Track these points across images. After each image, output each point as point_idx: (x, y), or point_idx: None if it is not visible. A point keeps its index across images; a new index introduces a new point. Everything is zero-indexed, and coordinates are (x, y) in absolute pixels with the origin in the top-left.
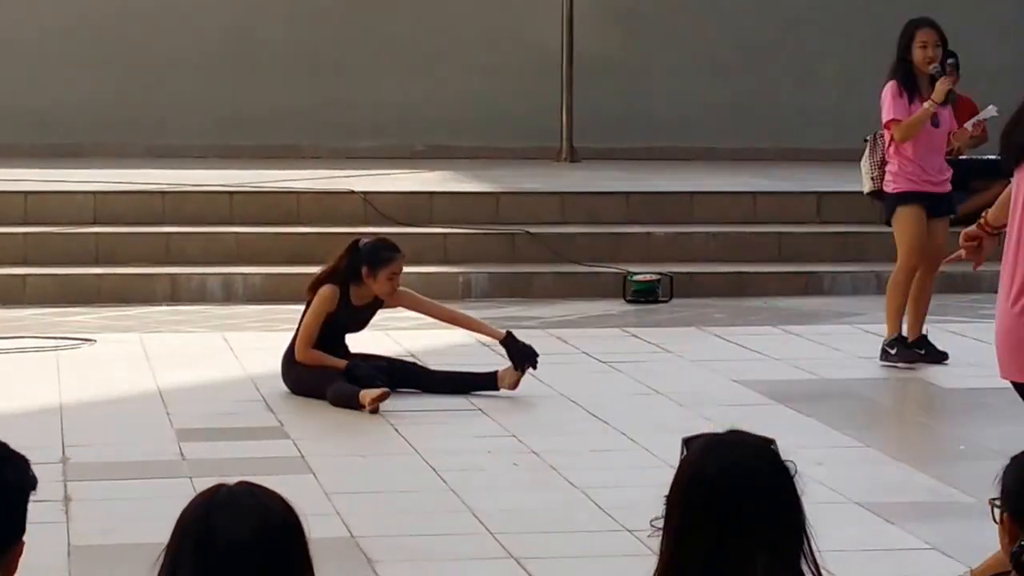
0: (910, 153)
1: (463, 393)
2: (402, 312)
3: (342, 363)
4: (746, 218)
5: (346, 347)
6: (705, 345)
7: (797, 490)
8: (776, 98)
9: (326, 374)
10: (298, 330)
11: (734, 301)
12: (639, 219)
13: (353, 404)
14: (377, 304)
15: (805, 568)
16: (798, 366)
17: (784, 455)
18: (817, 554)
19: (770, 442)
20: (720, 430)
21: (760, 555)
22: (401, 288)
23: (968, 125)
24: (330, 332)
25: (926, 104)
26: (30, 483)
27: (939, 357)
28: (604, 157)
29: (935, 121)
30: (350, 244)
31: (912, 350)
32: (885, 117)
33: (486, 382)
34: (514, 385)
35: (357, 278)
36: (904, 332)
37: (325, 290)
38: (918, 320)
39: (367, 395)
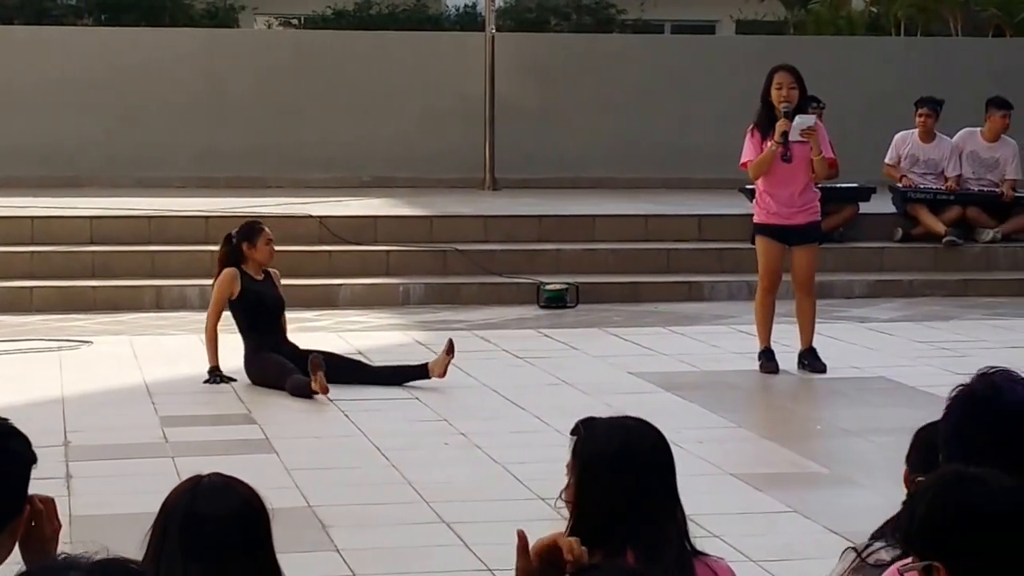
0: (763, 187)
1: (400, 383)
2: (351, 316)
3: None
4: (639, 236)
5: (283, 329)
6: (605, 343)
7: (673, 463)
8: (663, 137)
9: (284, 368)
10: (240, 328)
11: (630, 306)
12: (550, 238)
13: (307, 393)
14: (270, 278)
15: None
16: (682, 360)
17: (669, 435)
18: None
19: (650, 426)
20: (613, 415)
21: (649, 517)
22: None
23: (795, 136)
24: (261, 313)
25: (770, 144)
26: (32, 457)
27: (818, 368)
28: (520, 186)
29: (786, 157)
30: (224, 239)
31: (770, 362)
32: (741, 159)
33: (419, 372)
34: (443, 373)
35: (243, 256)
36: (770, 345)
37: (225, 272)
38: (803, 334)
39: (312, 382)
